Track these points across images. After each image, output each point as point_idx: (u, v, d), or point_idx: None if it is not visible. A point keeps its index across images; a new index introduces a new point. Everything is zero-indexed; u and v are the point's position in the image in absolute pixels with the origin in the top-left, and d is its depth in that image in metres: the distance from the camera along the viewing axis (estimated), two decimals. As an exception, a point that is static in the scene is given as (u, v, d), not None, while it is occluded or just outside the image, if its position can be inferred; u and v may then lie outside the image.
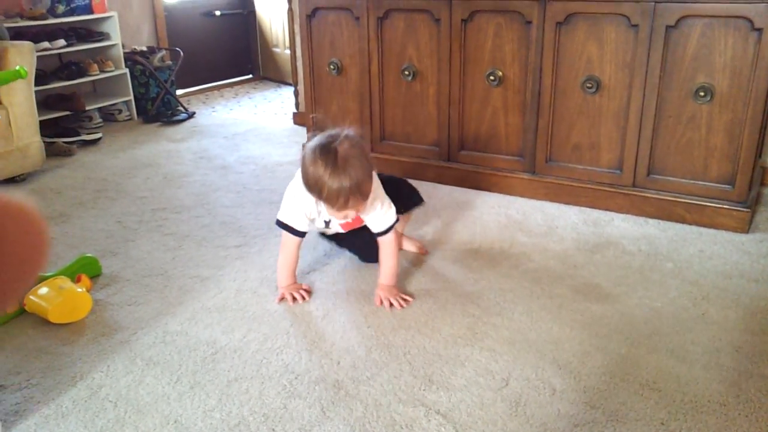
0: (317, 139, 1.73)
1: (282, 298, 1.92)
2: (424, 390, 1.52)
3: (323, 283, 2.04)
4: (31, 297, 1.83)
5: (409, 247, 2.23)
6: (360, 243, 2.09)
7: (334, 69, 3.00)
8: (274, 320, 1.83)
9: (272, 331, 1.78)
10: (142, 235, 2.43)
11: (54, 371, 1.62)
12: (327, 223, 1.93)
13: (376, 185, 1.83)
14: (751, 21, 2.12)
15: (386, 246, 1.91)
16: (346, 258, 2.20)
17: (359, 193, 1.68)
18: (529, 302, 1.89)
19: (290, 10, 3.76)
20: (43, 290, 1.84)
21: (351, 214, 1.78)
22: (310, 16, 2.99)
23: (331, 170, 1.63)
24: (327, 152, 1.66)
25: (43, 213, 0.31)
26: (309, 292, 1.96)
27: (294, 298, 1.91)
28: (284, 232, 1.90)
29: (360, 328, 1.78)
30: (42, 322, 1.82)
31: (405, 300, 1.89)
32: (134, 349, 1.71)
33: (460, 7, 2.58)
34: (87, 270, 2.06)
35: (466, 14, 2.58)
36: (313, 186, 1.69)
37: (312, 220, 1.90)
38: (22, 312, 1.87)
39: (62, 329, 1.80)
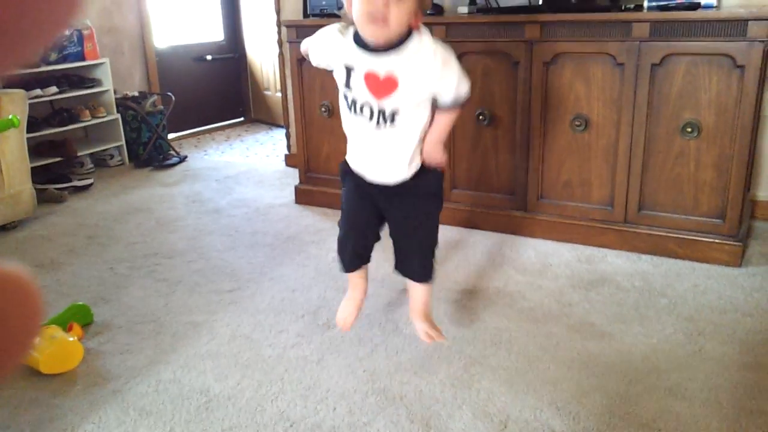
0: None
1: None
2: (421, 435, 1.50)
3: (316, 326, 2.02)
4: (21, 348, 1.80)
5: (420, 329, 1.81)
6: (399, 216, 1.70)
7: (325, 111, 3.03)
8: (268, 366, 1.81)
9: (266, 377, 1.76)
10: (134, 282, 2.41)
11: (44, 424, 1.59)
12: (348, 76, 1.55)
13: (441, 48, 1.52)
14: (733, 58, 2.16)
15: (437, 126, 1.61)
16: (339, 299, 2.18)
17: None
18: (525, 342, 1.88)
19: (281, 55, 3.80)
20: (34, 340, 1.81)
21: (379, 9, 1.42)
22: (302, 60, 3.02)
23: None
24: None
25: (35, 283, 0.31)
26: None
27: None
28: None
29: (355, 372, 1.76)
30: (33, 372, 1.79)
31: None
32: (126, 399, 1.68)
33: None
34: (79, 318, 2.04)
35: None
36: None
37: (332, 63, 1.60)
38: (12, 363, 1.84)
39: (53, 380, 1.77)
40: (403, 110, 1.53)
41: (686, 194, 2.37)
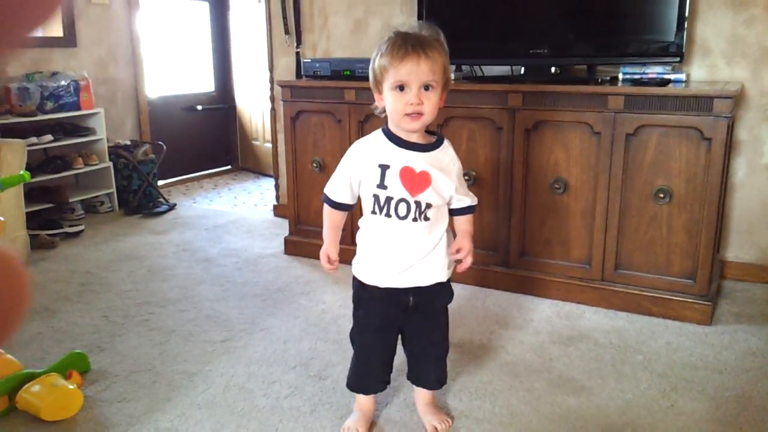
0: None
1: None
2: (412, 485, 1.58)
3: (308, 377, 2.10)
4: (23, 395, 1.86)
5: (431, 421, 1.81)
6: (419, 327, 1.75)
7: (316, 167, 3.16)
8: (263, 416, 1.88)
9: (261, 427, 1.83)
10: (128, 330, 2.48)
11: (47, 471, 1.65)
12: (383, 174, 1.58)
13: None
14: (701, 131, 2.34)
15: (465, 224, 1.71)
16: (330, 351, 2.27)
17: (424, 50, 1.51)
18: (508, 395, 1.98)
19: (273, 110, 3.95)
20: (36, 387, 1.87)
21: (412, 101, 1.51)
22: (294, 118, 3.17)
23: (395, 36, 1.57)
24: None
25: (20, 259, 0.36)
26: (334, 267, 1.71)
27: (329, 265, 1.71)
28: (325, 204, 1.72)
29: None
30: (33, 419, 1.85)
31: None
32: (126, 447, 1.74)
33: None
34: (76, 366, 2.10)
35: (441, 120, 2.77)
36: (376, 54, 1.57)
37: (359, 182, 1.63)
38: (13, 409, 1.89)
39: (54, 427, 1.83)
40: (435, 205, 1.61)
41: (659, 255, 2.52)
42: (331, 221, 1.70)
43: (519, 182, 2.69)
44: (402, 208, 1.59)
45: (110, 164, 4.27)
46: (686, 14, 2.48)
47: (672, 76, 2.58)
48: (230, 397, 1.99)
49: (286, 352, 2.28)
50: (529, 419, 1.85)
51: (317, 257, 1.72)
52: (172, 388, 2.05)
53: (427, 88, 1.52)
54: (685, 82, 2.63)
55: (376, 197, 1.60)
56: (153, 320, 2.57)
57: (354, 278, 1.73)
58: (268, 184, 5.19)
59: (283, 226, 3.79)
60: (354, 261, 1.72)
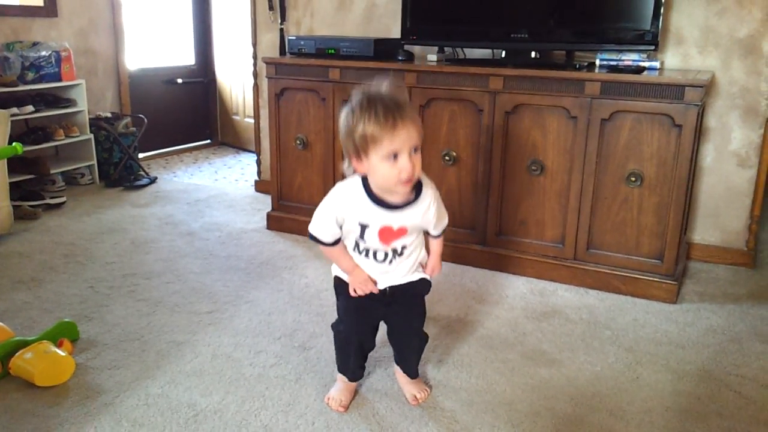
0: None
1: (355, 292, 1.75)
2: (393, 448, 1.68)
3: (293, 347, 2.18)
4: (16, 361, 1.91)
5: (411, 390, 1.92)
6: (400, 320, 1.86)
7: (300, 144, 3.21)
8: (250, 384, 1.96)
9: (249, 394, 1.91)
10: (115, 301, 2.53)
11: (43, 433, 1.71)
12: (363, 230, 1.66)
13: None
14: (672, 118, 2.44)
15: (438, 246, 1.86)
16: (314, 323, 2.35)
17: (409, 116, 1.53)
18: (484, 367, 2.09)
19: (256, 86, 3.98)
20: (29, 354, 1.93)
21: (407, 168, 1.53)
22: (279, 94, 3.21)
23: (371, 101, 1.54)
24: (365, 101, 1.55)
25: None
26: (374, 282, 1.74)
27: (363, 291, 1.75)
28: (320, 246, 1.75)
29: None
30: (26, 384, 1.91)
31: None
32: (119, 411, 1.81)
33: (418, 95, 2.85)
34: (66, 334, 2.15)
35: (424, 101, 2.84)
36: (356, 122, 1.52)
37: (341, 226, 1.69)
38: (6, 375, 1.95)
39: (47, 392, 1.89)
40: (409, 245, 1.72)
41: (629, 236, 2.63)
42: (336, 253, 1.74)
43: (497, 163, 2.78)
44: (380, 254, 1.70)
45: (91, 136, 4.27)
46: (662, 3, 2.57)
47: (647, 64, 2.67)
48: (218, 366, 2.06)
49: (270, 323, 2.36)
50: (504, 389, 1.96)
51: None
52: (160, 357, 2.12)
53: (414, 150, 1.55)
54: (659, 69, 2.72)
55: (357, 244, 1.71)
56: (139, 291, 2.62)
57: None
58: (249, 159, 5.23)
59: (264, 202, 3.85)
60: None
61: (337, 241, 1.71)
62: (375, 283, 1.74)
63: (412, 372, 1.93)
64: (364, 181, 1.63)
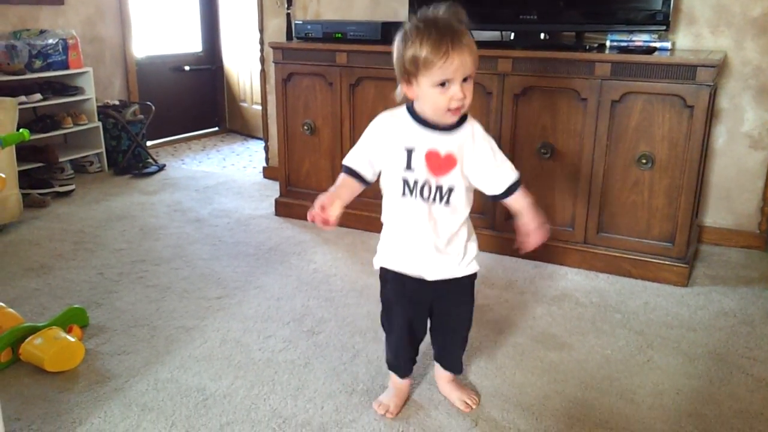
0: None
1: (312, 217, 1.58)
2: (402, 431, 1.67)
3: (302, 332, 2.18)
4: (27, 347, 1.92)
5: (460, 396, 1.81)
6: (447, 311, 1.74)
7: (307, 129, 3.20)
8: (259, 369, 1.96)
9: (258, 378, 1.91)
10: (124, 287, 2.54)
11: (53, 417, 1.72)
12: (409, 157, 1.56)
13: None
14: (684, 99, 2.41)
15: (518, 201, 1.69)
16: (323, 308, 2.35)
17: (465, 43, 1.46)
18: (493, 351, 2.08)
19: (263, 71, 3.96)
20: (38, 340, 1.93)
21: (458, 96, 1.46)
22: (286, 80, 3.19)
23: (426, 25, 1.49)
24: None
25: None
26: (328, 223, 1.56)
27: (315, 219, 1.57)
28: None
29: (340, 375, 1.93)
30: (36, 370, 1.92)
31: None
32: (128, 396, 1.82)
33: (426, 78, 2.82)
34: (76, 320, 2.16)
35: (432, 84, 2.82)
36: (408, 45, 1.47)
37: (380, 159, 1.59)
38: (17, 360, 1.96)
39: (57, 377, 1.90)
40: (457, 189, 1.57)
41: (640, 219, 2.61)
42: (341, 182, 1.62)
43: (506, 147, 2.75)
44: (426, 191, 1.57)
45: (99, 124, 4.27)
46: (673, -17, 2.53)
47: (658, 44, 2.64)
48: (227, 351, 2.07)
49: (279, 308, 2.36)
50: (513, 372, 1.95)
51: (308, 219, 1.66)
52: (169, 342, 2.12)
53: (466, 79, 1.47)
54: (671, 50, 2.68)
55: (404, 179, 1.58)
56: (148, 278, 2.63)
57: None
58: (257, 146, 5.22)
59: (272, 188, 3.84)
60: (378, 247, 1.71)
61: (356, 176, 1.61)
62: (324, 211, 1.54)
63: (456, 366, 1.81)
64: (409, 107, 1.57)
